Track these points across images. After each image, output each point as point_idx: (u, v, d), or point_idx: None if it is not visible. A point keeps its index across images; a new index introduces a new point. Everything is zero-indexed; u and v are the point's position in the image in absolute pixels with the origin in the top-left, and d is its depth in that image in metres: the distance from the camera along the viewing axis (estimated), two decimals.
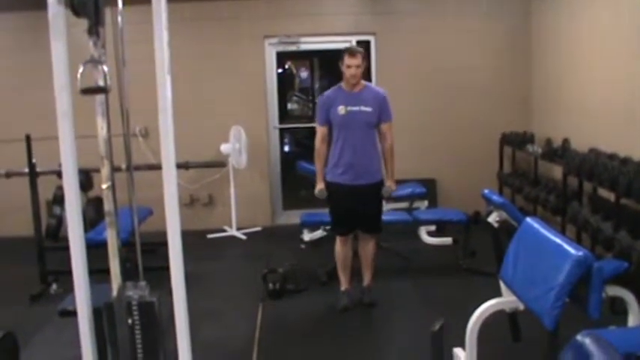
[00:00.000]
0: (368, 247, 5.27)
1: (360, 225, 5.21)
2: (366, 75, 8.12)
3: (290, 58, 11.42)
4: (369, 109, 4.98)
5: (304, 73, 12.37)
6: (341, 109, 4.97)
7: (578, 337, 2.26)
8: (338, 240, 5.24)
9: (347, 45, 7.58)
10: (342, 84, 5.08)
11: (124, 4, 2.62)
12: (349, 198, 5.05)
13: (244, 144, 7.58)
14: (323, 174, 5.15)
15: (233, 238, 7.68)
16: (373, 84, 5.51)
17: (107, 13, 2.52)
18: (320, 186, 5.15)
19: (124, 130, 2.71)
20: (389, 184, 5.11)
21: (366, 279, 5.33)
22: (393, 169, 5.14)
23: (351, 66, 4.92)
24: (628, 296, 3.66)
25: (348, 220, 5.17)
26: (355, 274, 5.36)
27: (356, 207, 5.08)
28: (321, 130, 5.11)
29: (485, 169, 7.99)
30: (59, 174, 5.14)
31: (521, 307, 3.56)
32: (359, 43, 8.05)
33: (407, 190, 6.80)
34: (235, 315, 5.21)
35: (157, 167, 2.64)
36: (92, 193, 6.30)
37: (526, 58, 7.98)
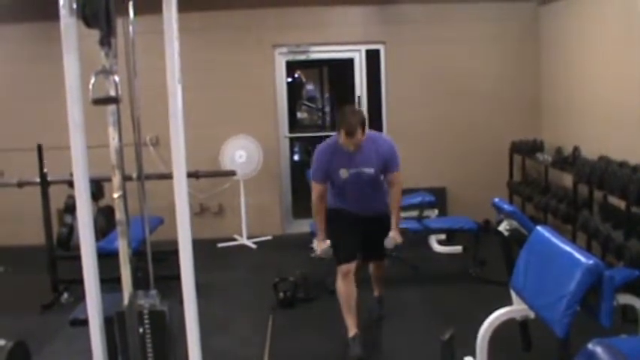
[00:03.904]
0: (378, 270, 5.07)
1: (364, 251, 4.80)
2: (376, 84, 8.15)
3: (299, 68, 11.44)
4: (371, 170, 4.52)
5: (310, 86, 12.39)
6: (342, 173, 4.51)
7: (590, 346, 2.26)
8: (339, 274, 4.60)
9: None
10: (340, 140, 4.43)
11: (135, 14, 2.65)
12: (353, 222, 4.66)
13: (253, 154, 7.63)
14: (325, 232, 4.67)
15: (243, 247, 7.69)
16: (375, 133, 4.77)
17: (118, 23, 2.53)
18: (322, 245, 4.65)
19: (135, 139, 2.73)
20: (393, 235, 4.65)
21: (377, 290, 5.19)
22: (398, 219, 4.71)
23: (348, 143, 4.38)
24: (639, 304, 3.65)
25: (352, 241, 4.66)
26: (364, 282, 5.17)
27: (359, 232, 4.66)
28: (318, 188, 4.60)
29: (495, 178, 7.97)
30: (70, 183, 5.16)
31: (532, 315, 3.56)
32: (368, 52, 8.08)
33: (417, 199, 6.79)
34: (246, 324, 5.20)
35: (168, 176, 2.66)
36: (103, 202, 6.34)
37: (535, 65, 7.97)
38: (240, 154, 7.65)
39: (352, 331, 4.57)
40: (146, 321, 2.63)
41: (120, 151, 2.62)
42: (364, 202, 4.68)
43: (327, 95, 11.96)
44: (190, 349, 2.65)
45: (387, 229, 4.68)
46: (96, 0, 2.34)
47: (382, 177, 4.66)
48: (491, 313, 3.64)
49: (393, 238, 4.65)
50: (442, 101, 8.02)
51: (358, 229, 4.66)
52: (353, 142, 4.34)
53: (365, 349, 4.50)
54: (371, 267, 5.09)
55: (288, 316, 5.33)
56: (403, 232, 4.80)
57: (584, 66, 6.71)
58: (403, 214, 6.62)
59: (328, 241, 4.64)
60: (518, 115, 8.04)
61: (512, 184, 7.93)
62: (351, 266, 4.61)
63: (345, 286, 4.58)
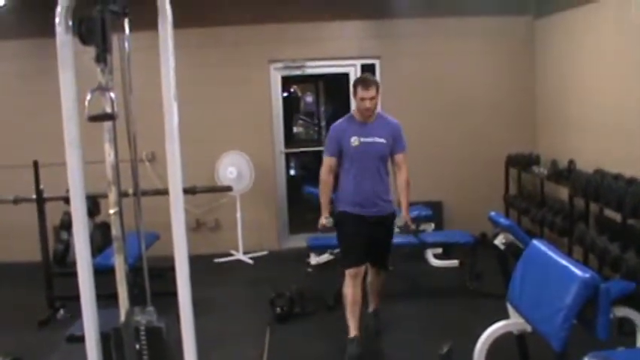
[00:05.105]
0: (377, 279, 5.07)
1: (369, 257, 4.86)
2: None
3: (295, 83, 11.48)
4: (382, 140, 4.72)
5: (309, 98, 12.42)
6: (354, 141, 4.69)
7: (587, 359, 2.26)
8: (348, 277, 4.70)
9: (359, 74, 7.57)
10: (354, 113, 4.83)
11: (130, 30, 2.65)
12: (360, 225, 4.74)
13: (244, 169, 7.64)
14: (328, 205, 4.88)
15: (240, 262, 7.67)
16: (384, 112, 5.08)
17: (114, 39, 2.53)
18: (325, 214, 4.84)
19: (132, 155, 2.72)
20: (404, 216, 4.87)
21: (373, 305, 5.20)
22: (407, 202, 4.88)
23: (365, 98, 4.63)
24: (636, 317, 3.66)
25: (360, 246, 4.74)
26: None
27: (367, 235, 4.73)
28: (329, 161, 4.81)
29: (491, 191, 7.99)
30: (66, 200, 5.15)
31: (529, 329, 3.55)
32: (364, 66, 8.11)
33: (413, 213, 6.77)
34: (243, 339, 5.19)
35: (164, 192, 2.65)
36: (99, 219, 6.33)
37: (530, 79, 8.01)
38: (230, 170, 7.65)
39: (353, 332, 4.69)
40: (143, 337, 2.62)
41: (116, 168, 2.61)
42: (371, 191, 4.75)
43: (322, 109, 11.99)
44: None
45: (391, 233, 4.92)
46: (92, 17, 2.34)
47: (389, 157, 4.84)
48: (488, 326, 3.63)
49: (404, 217, 4.87)
50: (437, 115, 8.04)
51: (365, 232, 4.74)
52: (368, 96, 4.63)
53: (363, 351, 4.59)
54: (369, 276, 5.07)
55: (285, 331, 5.32)
56: (412, 220, 5.06)
57: (579, 79, 6.75)
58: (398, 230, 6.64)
59: (330, 218, 4.84)
60: (513, 129, 8.06)
61: (509, 198, 7.95)
62: (361, 269, 4.76)
63: (352, 290, 4.68)
